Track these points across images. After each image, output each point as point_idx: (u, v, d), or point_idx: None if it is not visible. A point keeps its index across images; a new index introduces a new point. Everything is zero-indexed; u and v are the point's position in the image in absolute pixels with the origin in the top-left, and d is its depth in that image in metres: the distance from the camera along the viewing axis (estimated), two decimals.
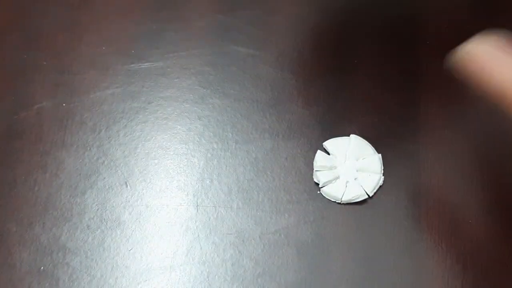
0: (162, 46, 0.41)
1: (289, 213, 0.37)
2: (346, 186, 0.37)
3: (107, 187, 0.38)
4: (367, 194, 0.37)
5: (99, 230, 0.37)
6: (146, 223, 0.37)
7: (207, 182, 0.38)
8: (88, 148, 0.39)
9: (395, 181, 0.38)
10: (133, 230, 0.37)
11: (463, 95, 0.38)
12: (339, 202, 0.37)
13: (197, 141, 0.39)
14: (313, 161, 0.38)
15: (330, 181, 0.37)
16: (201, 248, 0.37)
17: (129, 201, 0.38)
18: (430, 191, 0.37)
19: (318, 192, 0.37)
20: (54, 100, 0.40)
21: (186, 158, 0.39)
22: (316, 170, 0.37)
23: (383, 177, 0.37)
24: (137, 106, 0.40)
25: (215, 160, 0.38)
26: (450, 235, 0.36)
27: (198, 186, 0.38)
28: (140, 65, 0.41)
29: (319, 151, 0.38)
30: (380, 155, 0.38)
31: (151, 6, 0.42)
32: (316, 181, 0.37)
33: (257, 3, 0.42)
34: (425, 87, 0.39)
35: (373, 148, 0.38)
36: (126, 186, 0.38)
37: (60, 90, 0.40)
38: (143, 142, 0.39)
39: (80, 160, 0.39)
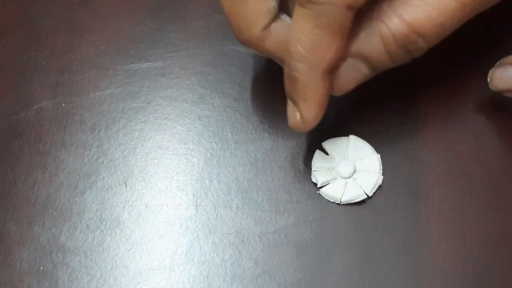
0: (161, 46, 0.41)
1: (289, 213, 0.37)
2: (345, 187, 0.37)
3: (106, 187, 0.38)
4: (366, 194, 0.37)
5: (98, 230, 0.37)
6: (146, 223, 0.37)
7: (207, 182, 0.38)
8: (88, 148, 0.39)
9: (395, 181, 0.38)
10: (132, 230, 0.37)
11: (464, 95, 0.38)
12: (338, 202, 0.37)
13: (197, 141, 0.39)
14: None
15: (328, 182, 0.37)
16: (200, 248, 0.37)
17: (128, 201, 0.38)
18: (430, 191, 0.37)
19: (318, 192, 0.37)
20: (53, 100, 0.40)
21: (185, 158, 0.39)
22: (314, 171, 0.37)
23: (382, 177, 0.37)
24: (137, 106, 0.40)
25: (215, 160, 0.38)
26: (450, 235, 0.36)
27: (198, 186, 0.38)
28: (139, 65, 0.41)
29: (317, 151, 0.38)
30: (379, 155, 0.38)
31: (151, 6, 0.42)
32: (315, 181, 0.37)
33: None
34: (425, 87, 0.39)
35: (372, 149, 0.38)
36: (126, 186, 0.38)
37: (60, 90, 0.40)
38: (142, 142, 0.39)
39: (80, 160, 0.39)
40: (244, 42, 0.35)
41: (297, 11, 0.32)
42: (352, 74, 0.34)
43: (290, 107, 0.34)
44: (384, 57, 0.34)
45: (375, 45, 0.33)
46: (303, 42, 0.32)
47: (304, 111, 0.34)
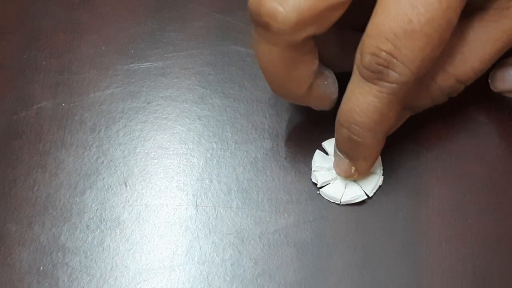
0: (162, 46, 0.41)
1: (289, 213, 0.37)
2: (345, 187, 0.37)
3: (106, 187, 0.38)
4: (367, 194, 0.37)
5: (98, 230, 0.37)
6: (146, 223, 0.37)
7: (207, 182, 0.38)
8: (88, 148, 0.39)
9: (395, 181, 0.38)
10: (132, 230, 0.37)
11: (464, 95, 0.38)
12: (338, 203, 0.37)
13: (197, 141, 0.39)
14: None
15: (328, 182, 0.37)
16: (200, 248, 0.37)
17: (128, 201, 0.38)
18: (430, 191, 0.37)
19: (318, 192, 0.37)
20: (53, 100, 0.40)
21: (185, 158, 0.39)
22: (314, 171, 0.37)
23: (382, 177, 0.37)
24: (137, 106, 0.40)
25: (215, 160, 0.38)
26: (450, 235, 0.36)
27: (198, 186, 0.38)
28: (139, 65, 0.41)
29: (317, 151, 0.38)
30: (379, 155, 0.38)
31: (151, 6, 0.42)
32: (315, 181, 0.37)
33: None
34: None
35: None
36: (126, 186, 0.38)
37: (60, 90, 0.40)
38: (142, 142, 0.39)
39: (80, 160, 0.39)
40: (285, 99, 0.36)
41: (363, 85, 0.32)
42: (399, 121, 0.36)
43: (344, 161, 0.36)
44: (428, 104, 0.36)
45: (423, 97, 0.35)
46: (371, 114, 0.32)
47: (362, 167, 0.36)
